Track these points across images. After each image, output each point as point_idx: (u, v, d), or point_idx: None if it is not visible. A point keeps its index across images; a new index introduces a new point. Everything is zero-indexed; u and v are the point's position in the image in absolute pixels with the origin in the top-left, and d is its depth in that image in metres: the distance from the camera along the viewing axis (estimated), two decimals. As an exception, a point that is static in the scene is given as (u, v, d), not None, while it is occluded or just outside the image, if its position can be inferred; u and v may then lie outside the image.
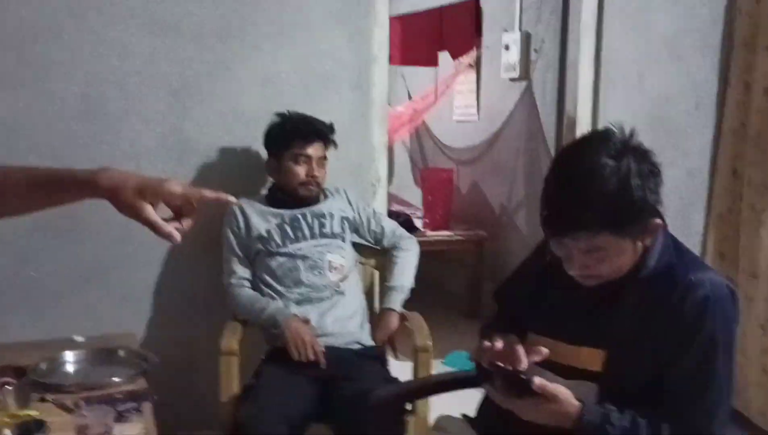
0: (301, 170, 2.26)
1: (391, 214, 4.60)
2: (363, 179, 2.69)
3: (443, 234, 4.54)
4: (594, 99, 2.92)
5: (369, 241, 2.43)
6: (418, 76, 5.26)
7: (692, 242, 3.08)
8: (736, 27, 2.97)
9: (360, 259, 2.44)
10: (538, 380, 1.30)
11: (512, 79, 4.37)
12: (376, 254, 2.46)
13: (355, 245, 2.41)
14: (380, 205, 2.70)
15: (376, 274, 2.49)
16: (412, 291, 2.34)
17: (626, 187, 1.26)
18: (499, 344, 1.37)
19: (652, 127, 2.99)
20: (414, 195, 5.41)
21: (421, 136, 5.56)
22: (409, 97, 5.36)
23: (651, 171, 1.30)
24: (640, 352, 1.35)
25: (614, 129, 1.34)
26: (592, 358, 1.40)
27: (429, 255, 4.76)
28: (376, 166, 2.69)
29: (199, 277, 2.47)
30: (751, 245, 2.88)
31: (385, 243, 2.43)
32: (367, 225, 2.41)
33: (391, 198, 5.49)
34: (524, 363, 1.33)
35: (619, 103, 2.95)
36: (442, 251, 4.63)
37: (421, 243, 4.45)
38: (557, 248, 1.37)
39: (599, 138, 1.33)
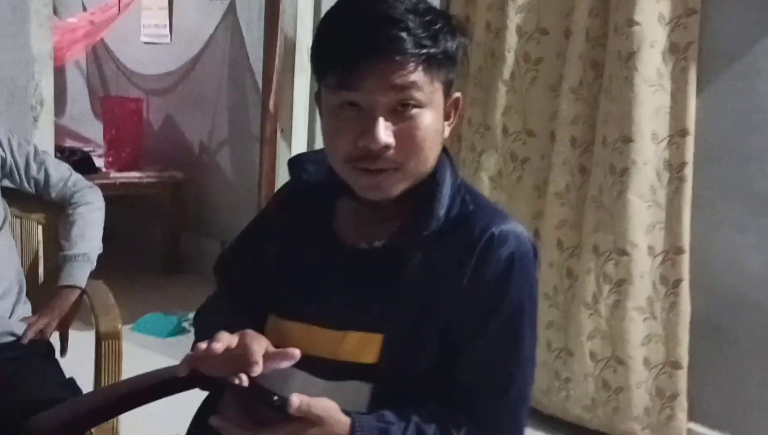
0: None
1: (65, 151, 3.82)
2: (19, 101, 1.99)
3: (131, 175, 3.89)
4: (315, 15, 2.52)
5: (29, 190, 1.75)
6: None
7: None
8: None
9: (16, 211, 1.76)
10: (296, 401, 0.88)
11: (212, -3, 3.82)
12: (42, 205, 1.79)
13: (6, 191, 1.72)
14: (44, 137, 2.03)
15: (41, 232, 1.82)
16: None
17: (432, 11, 0.98)
18: (218, 345, 0.92)
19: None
20: (94, 130, 4.57)
21: (100, 58, 4.71)
22: (84, 9, 4.46)
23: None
24: (425, 331, 1.01)
25: None
26: (363, 347, 1.02)
27: (115, 201, 4.07)
28: (38, 83, 2.00)
29: None
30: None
31: (53, 194, 1.76)
32: (25, 169, 1.71)
33: (64, 133, 4.60)
34: (259, 367, 0.91)
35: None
36: (132, 197, 3.98)
37: (104, 186, 3.78)
38: (343, 115, 0.98)
39: None
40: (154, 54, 4.31)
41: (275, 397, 0.88)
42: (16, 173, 1.71)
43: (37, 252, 1.80)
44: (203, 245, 3.99)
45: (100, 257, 1.74)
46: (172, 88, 4.25)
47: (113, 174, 3.83)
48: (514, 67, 2.64)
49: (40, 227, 1.81)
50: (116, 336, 1.54)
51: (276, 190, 1.23)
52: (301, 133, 2.53)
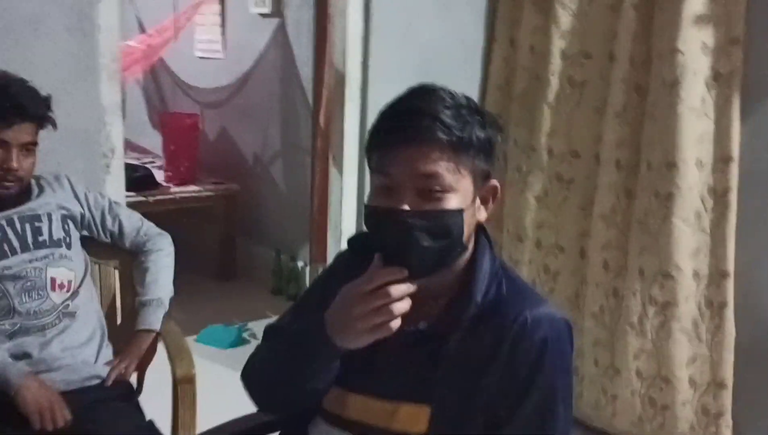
0: None
1: (126, 168, 3.98)
2: (91, 151, 2.13)
3: (190, 189, 4.05)
4: (364, 50, 2.61)
5: (105, 240, 1.90)
6: (151, 3, 4.55)
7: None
8: (502, -21, 2.83)
9: (93, 259, 1.91)
10: None
11: (263, 15, 3.92)
12: (118, 251, 1.94)
13: (85, 240, 1.88)
14: (116, 183, 2.17)
15: (118, 277, 1.97)
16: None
17: (473, 110, 1.09)
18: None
19: (420, 80, 2.78)
20: (151, 140, 4.76)
21: (157, 73, 4.87)
22: (141, 30, 4.61)
23: (497, 125, 1.13)
24: (469, 406, 1.11)
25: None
26: (413, 417, 1.13)
27: (175, 213, 4.26)
28: (108, 132, 2.15)
29: None
30: (517, 208, 2.84)
31: (127, 244, 1.90)
32: (101, 222, 1.86)
33: (125, 144, 4.78)
34: None
35: (388, 54, 2.68)
36: (190, 208, 4.15)
37: (164, 201, 3.98)
38: (385, 177, 1.08)
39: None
40: (208, 68, 4.45)
41: None
42: (93, 226, 1.86)
43: (114, 296, 1.96)
44: (257, 252, 4.15)
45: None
46: (225, 102, 4.39)
47: (173, 189, 3.99)
48: (558, 90, 2.69)
49: (116, 272, 1.96)
50: (191, 380, 1.69)
51: (333, 259, 1.33)
52: (352, 161, 2.64)
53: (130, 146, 4.84)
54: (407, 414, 1.13)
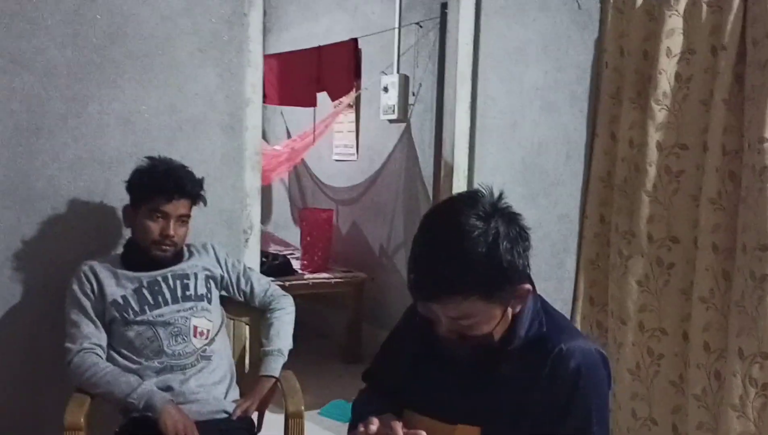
0: (154, 227, 2.04)
1: (269, 256, 4.47)
2: (234, 227, 2.53)
3: (322, 276, 4.42)
4: (470, 146, 2.92)
5: (238, 299, 2.27)
6: (298, 114, 5.17)
7: (565, 287, 3.14)
8: (602, 80, 3.08)
9: (229, 315, 2.27)
10: None
11: (391, 121, 4.37)
12: (248, 310, 2.30)
13: (223, 299, 2.25)
14: (252, 255, 2.55)
15: (248, 331, 2.32)
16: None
17: (495, 250, 1.20)
18: (373, 427, 1.28)
19: (525, 175, 3.04)
20: (293, 234, 5.27)
21: (299, 174, 5.44)
22: (288, 136, 5.23)
23: (520, 235, 1.25)
24: (515, 427, 1.30)
25: (483, 190, 1.28)
26: (470, 438, 1.33)
27: (307, 298, 4.66)
28: (249, 212, 2.55)
29: (43, 340, 2.22)
30: (620, 291, 2.95)
31: (257, 302, 2.27)
32: (236, 284, 2.24)
33: (269, 238, 5.34)
34: None
35: (494, 151, 2.97)
36: (322, 294, 4.52)
37: (299, 286, 4.39)
38: (425, 311, 1.30)
39: (467, 199, 1.26)
40: (343, 170, 4.94)
41: None
42: (229, 286, 2.24)
43: (244, 347, 2.30)
44: (381, 337, 4.38)
45: (292, 350, 2.19)
46: (357, 199, 4.82)
47: (307, 275, 4.39)
48: (656, 179, 2.84)
49: (246, 328, 2.31)
50: (300, 416, 1.96)
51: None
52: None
53: (273, 239, 5.39)
54: (463, 434, 1.34)
